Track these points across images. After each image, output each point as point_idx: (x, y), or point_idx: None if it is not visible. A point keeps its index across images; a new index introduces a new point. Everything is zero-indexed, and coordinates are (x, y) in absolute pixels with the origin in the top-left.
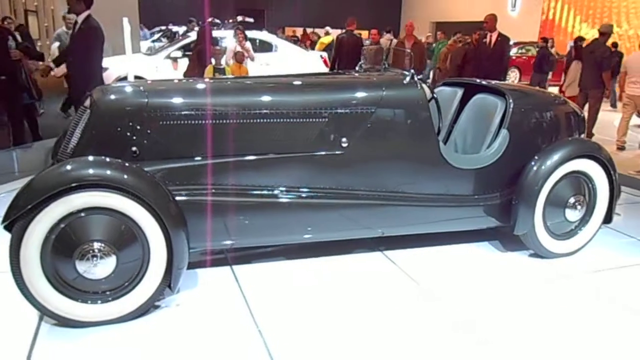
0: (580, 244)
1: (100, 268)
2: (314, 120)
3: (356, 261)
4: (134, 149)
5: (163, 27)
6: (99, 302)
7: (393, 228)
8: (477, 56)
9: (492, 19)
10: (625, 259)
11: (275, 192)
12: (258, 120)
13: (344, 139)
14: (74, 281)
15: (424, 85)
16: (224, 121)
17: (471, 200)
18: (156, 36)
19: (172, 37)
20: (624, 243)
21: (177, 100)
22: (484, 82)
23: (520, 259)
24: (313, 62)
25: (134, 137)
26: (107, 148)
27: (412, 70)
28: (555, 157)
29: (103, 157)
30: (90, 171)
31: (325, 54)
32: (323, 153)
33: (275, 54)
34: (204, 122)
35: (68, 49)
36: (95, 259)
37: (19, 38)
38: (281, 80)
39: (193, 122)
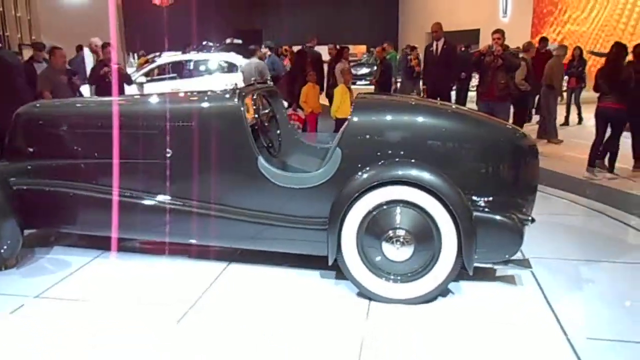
0: (422, 291)
1: None
2: (147, 132)
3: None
4: (30, 149)
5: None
6: None
7: (214, 239)
8: (424, 65)
9: (437, 27)
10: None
11: (108, 189)
12: (102, 131)
13: (168, 149)
14: None
15: (243, 100)
16: (81, 130)
17: (296, 222)
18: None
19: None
20: (521, 297)
21: (55, 114)
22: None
23: (336, 295)
24: None
25: (30, 141)
26: (18, 148)
27: (234, 85)
28: (366, 179)
29: None
30: None
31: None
32: (152, 161)
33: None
34: (70, 131)
35: None
36: None
37: None
38: (136, 98)
39: (61, 131)
